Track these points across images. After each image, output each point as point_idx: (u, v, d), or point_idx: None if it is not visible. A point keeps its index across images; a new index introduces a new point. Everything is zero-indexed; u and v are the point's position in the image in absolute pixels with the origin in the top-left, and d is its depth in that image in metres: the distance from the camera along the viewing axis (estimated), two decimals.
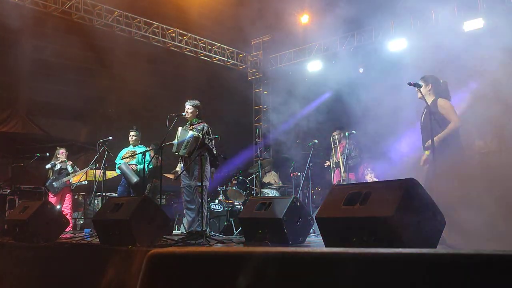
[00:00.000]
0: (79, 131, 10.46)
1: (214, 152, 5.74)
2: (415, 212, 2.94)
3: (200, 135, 5.58)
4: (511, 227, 4.68)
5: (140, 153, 6.89)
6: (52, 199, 7.64)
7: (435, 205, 3.11)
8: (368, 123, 7.30)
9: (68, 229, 6.95)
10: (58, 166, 7.77)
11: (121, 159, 7.07)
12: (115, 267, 3.72)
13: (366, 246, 2.95)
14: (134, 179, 6.75)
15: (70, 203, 7.87)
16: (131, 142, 7.15)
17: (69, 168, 7.77)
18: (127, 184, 6.92)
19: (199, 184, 5.38)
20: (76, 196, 9.19)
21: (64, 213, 7.43)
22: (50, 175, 7.78)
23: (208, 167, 5.65)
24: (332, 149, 7.34)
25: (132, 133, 7.13)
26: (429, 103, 4.47)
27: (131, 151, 7.11)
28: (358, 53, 9.87)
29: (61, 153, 7.88)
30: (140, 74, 9.68)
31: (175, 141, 5.64)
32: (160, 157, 6.23)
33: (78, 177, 7.87)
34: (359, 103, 7.74)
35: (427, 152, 4.56)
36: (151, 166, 7.07)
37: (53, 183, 7.68)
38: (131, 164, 6.96)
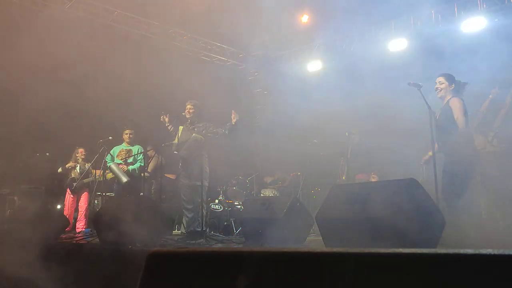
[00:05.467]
0: (79, 131, 10.45)
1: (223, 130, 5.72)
2: (415, 212, 2.95)
3: (203, 137, 5.56)
4: (510, 226, 4.68)
5: (139, 153, 6.85)
6: (69, 197, 7.70)
7: (435, 205, 3.12)
8: (368, 123, 7.30)
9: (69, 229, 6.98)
10: (78, 167, 7.81)
11: (116, 157, 7.01)
12: (115, 267, 3.73)
13: (366, 246, 2.95)
14: (124, 179, 6.63)
15: (86, 200, 7.87)
16: (127, 140, 7.02)
17: (87, 167, 7.80)
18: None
19: (198, 183, 5.39)
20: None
21: (80, 209, 7.54)
22: (71, 175, 7.79)
23: (207, 167, 5.65)
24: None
25: (128, 131, 7.03)
26: (444, 102, 4.49)
27: (126, 149, 7.02)
28: (358, 53, 9.86)
29: (80, 152, 7.88)
30: (139, 74, 9.66)
31: (175, 141, 5.63)
32: (160, 157, 6.24)
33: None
34: (359, 102, 7.74)
35: (430, 153, 4.56)
36: (142, 164, 6.98)
37: (73, 182, 7.71)
38: (120, 164, 6.88)
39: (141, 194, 7.10)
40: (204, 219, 5.43)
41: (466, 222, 3.97)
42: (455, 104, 4.44)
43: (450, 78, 4.61)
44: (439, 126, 4.51)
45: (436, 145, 4.47)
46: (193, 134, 5.57)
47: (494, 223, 5.46)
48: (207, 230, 6.00)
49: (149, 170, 7.57)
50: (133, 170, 6.83)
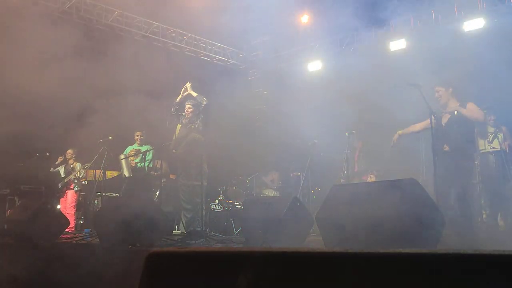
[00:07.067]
0: (79, 131, 10.43)
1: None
2: (415, 212, 2.95)
3: (202, 136, 5.57)
4: (510, 226, 4.68)
5: (142, 152, 6.94)
6: (63, 199, 7.79)
7: (435, 205, 3.12)
8: (368, 123, 7.30)
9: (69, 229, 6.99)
10: (61, 169, 7.87)
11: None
12: (115, 267, 3.72)
13: (366, 246, 2.95)
14: (126, 174, 6.82)
15: (73, 201, 7.88)
16: (138, 142, 7.17)
17: (77, 167, 7.84)
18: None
19: (196, 183, 5.38)
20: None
21: (65, 211, 7.56)
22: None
23: (206, 167, 5.65)
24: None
25: (138, 133, 7.20)
26: (454, 107, 4.48)
27: (135, 149, 7.15)
28: (358, 53, 9.86)
29: (68, 153, 7.95)
30: (139, 73, 9.63)
31: (173, 139, 5.64)
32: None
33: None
34: (359, 102, 7.74)
35: (399, 132, 4.66)
36: (151, 165, 7.10)
37: (59, 183, 7.77)
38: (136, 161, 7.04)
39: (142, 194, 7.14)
40: (203, 219, 5.43)
41: (466, 222, 3.97)
42: (474, 108, 4.46)
43: (447, 82, 4.62)
44: (446, 131, 4.48)
45: (446, 146, 4.44)
46: (192, 134, 5.57)
47: (494, 223, 5.46)
48: (207, 230, 5.99)
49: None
50: (141, 167, 6.94)
